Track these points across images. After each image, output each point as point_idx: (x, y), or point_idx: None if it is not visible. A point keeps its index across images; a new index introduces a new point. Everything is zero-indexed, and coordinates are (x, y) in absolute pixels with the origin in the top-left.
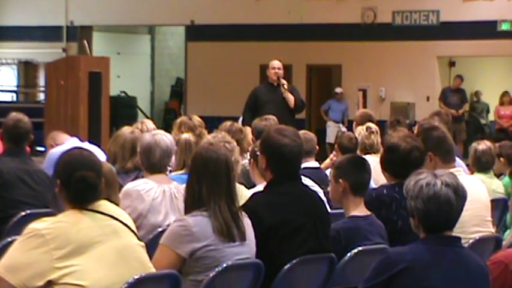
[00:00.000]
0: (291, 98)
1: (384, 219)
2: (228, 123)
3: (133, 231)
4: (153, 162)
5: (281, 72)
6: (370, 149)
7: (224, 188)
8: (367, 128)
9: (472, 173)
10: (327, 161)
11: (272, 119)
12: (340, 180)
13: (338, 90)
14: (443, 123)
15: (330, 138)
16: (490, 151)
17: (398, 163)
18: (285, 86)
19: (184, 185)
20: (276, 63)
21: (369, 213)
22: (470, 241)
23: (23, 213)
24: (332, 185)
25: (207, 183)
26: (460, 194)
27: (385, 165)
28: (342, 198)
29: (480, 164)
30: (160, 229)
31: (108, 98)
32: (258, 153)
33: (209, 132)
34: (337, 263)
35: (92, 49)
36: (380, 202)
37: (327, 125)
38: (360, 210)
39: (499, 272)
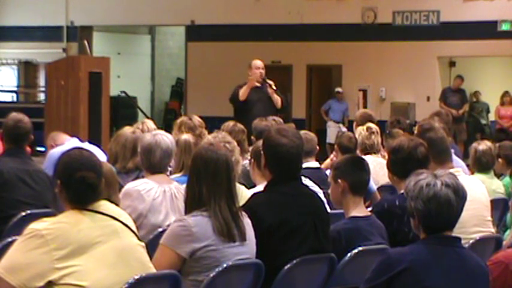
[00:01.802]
0: (277, 99)
1: (395, 231)
2: (230, 123)
3: (133, 232)
4: (153, 163)
5: (264, 72)
6: (370, 149)
7: (224, 188)
8: (368, 129)
9: (472, 173)
10: (327, 161)
11: (273, 119)
12: (339, 181)
13: (339, 89)
14: (443, 124)
15: (331, 138)
16: (491, 151)
17: (406, 161)
18: (273, 87)
19: (184, 186)
20: (260, 63)
21: (369, 213)
22: (471, 241)
23: (23, 214)
24: (332, 186)
25: (207, 183)
26: (460, 195)
27: (391, 167)
28: (341, 198)
29: (480, 164)
30: (160, 229)
31: (108, 98)
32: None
33: (209, 133)
34: (337, 263)
35: (92, 49)
36: (392, 213)
37: (327, 125)
38: (360, 211)
39: (499, 272)
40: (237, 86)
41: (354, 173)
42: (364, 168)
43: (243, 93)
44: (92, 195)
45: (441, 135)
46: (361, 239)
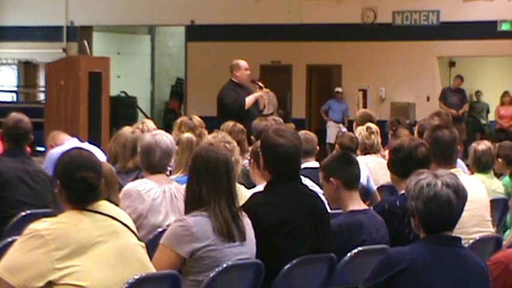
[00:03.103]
0: (263, 100)
1: (396, 232)
2: (230, 123)
3: (133, 232)
4: (153, 163)
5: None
6: (370, 149)
7: (224, 188)
8: (368, 128)
9: (472, 173)
10: None
11: (273, 119)
12: (331, 179)
13: (339, 89)
14: (443, 124)
15: (330, 138)
16: (490, 151)
17: (405, 161)
18: (264, 89)
19: (184, 186)
20: (246, 64)
21: (366, 207)
22: (471, 241)
23: (23, 214)
24: (324, 186)
25: (207, 183)
26: (460, 195)
27: (392, 167)
28: (337, 196)
29: (480, 164)
30: (160, 229)
31: (108, 98)
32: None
33: (209, 133)
34: (338, 262)
35: (92, 49)
36: (392, 214)
37: (327, 125)
38: (358, 204)
39: (499, 272)
40: (226, 89)
41: (344, 169)
42: (353, 162)
43: (249, 103)
44: (92, 195)
45: (454, 136)
46: (363, 232)
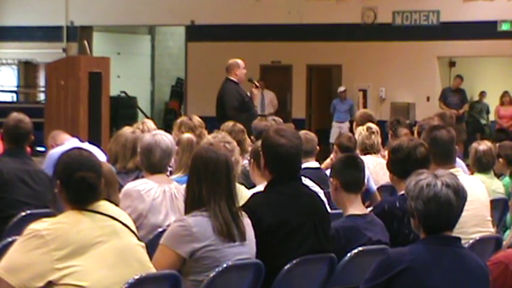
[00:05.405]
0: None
1: (395, 232)
2: (230, 123)
3: (133, 232)
4: (153, 163)
5: None
6: (370, 149)
7: (224, 188)
8: (368, 128)
9: (472, 173)
10: (327, 161)
11: (272, 119)
12: (331, 179)
13: (341, 88)
14: (445, 125)
15: (333, 139)
16: (491, 151)
17: (404, 161)
18: (260, 88)
19: (184, 186)
20: (243, 63)
21: (367, 211)
22: (471, 241)
23: (23, 214)
24: (330, 185)
25: (207, 183)
26: (460, 195)
27: (391, 167)
28: (337, 197)
29: (481, 165)
30: (160, 229)
31: (108, 98)
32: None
33: (209, 133)
34: (337, 263)
35: (92, 49)
36: (392, 215)
37: (333, 125)
38: (358, 208)
39: (499, 273)
40: (230, 90)
41: (344, 171)
42: (356, 166)
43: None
44: (92, 195)
45: (452, 136)
46: (361, 237)
